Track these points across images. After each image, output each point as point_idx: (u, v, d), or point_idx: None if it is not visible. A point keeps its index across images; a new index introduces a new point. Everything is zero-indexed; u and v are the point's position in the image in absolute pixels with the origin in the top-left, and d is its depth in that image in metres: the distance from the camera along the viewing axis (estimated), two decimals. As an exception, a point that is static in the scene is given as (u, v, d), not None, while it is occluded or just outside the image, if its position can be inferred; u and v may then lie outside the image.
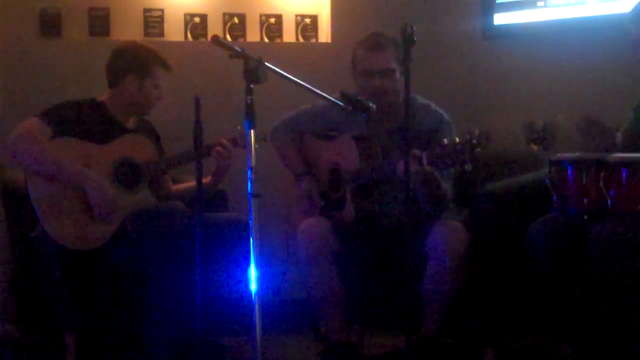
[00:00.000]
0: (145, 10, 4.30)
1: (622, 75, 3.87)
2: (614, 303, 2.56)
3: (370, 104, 2.97)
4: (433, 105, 3.33)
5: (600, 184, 2.50)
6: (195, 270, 2.63)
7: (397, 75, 3.18)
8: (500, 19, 4.28)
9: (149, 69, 3.29)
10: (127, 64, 3.30)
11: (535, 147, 4.10)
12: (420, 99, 3.31)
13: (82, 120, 3.23)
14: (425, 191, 3.06)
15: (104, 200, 3.08)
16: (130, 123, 3.37)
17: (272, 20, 4.40)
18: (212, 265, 2.92)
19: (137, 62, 3.30)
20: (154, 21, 4.31)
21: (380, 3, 4.36)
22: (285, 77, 2.57)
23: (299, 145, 3.46)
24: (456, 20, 4.34)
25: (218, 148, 3.23)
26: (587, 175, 2.58)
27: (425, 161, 2.84)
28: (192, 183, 3.29)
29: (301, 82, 2.63)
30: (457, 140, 2.83)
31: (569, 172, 2.64)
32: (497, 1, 4.27)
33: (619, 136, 2.94)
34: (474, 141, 2.81)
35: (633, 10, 2.91)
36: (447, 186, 3.15)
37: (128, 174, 3.21)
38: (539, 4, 4.20)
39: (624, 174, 2.45)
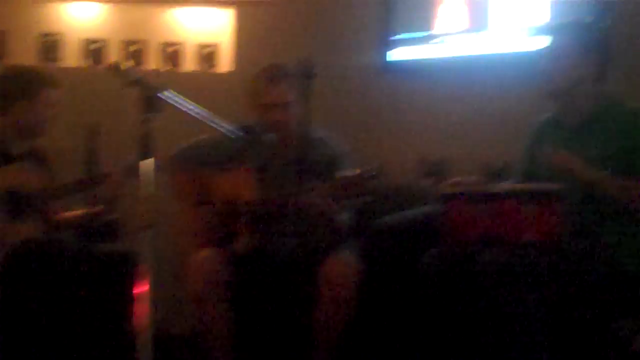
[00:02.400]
0: (43, 35, 4.22)
1: (515, 112, 4.01)
2: (501, 330, 2.62)
3: (269, 136, 2.99)
4: (330, 138, 3.37)
5: (488, 215, 2.58)
6: (83, 303, 2.56)
7: (295, 107, 3.22)
8: (396, 54, 4.38)
9: (38, 90, 3.22)
10: (14, 89, 3.22)
11: (428, 181, 4.20)
12: (318, 131, 3.35)
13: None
14: (323, 223, 3.09)
15: None
16: (21, 149, 3.29)
17: (173, 48, 4.39)
18: (101, 298, 2.86)
19: (24, 85, 3.22)
20: (51, 46, 4.23)
21: (281, 35, 4.40)
22: (185, 106, 2.57)
23: (196, 176, 3.44)
24: (354, 54, 4.42)
25: (110, 177, 3.18)
26: (475, 207, 2.66)
27: (322, 194, 2.87)
28: (83, 211, 3.23)
29: (200, 112, 2.63)
30: (354, 173, 2.88)
31: (458, 203, 2.72)
32: (393, 36, 4.37)
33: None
34: (369, 175, 2.85)
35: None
36: (345, 218, 3.19)
37: (14, 204, 3.12)
38: (434, 40, 4.32)
39: (509, 205, 2.54)
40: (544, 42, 2.92)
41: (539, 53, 2.92)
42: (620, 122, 2.70)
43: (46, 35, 4.22)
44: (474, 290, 2.61)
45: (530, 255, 2.51)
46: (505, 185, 2.66)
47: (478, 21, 4.23)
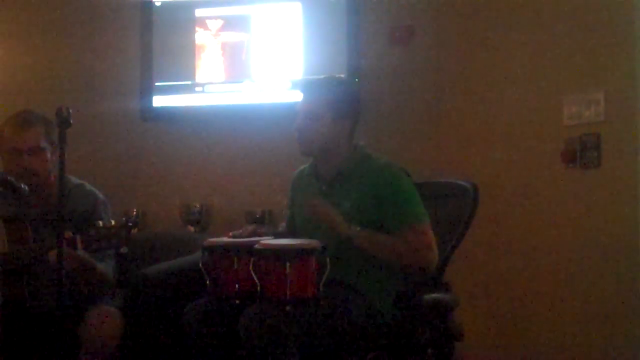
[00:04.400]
0: None
1: (277, 160, 4.11)
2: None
3: (22, 185, 2.84)
4: (88, 186, 3.25)
5: (250, 269, 2.60)
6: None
7: (48, 154, 3.08)
8: (159, 101, 4.34)
9: None
10: None
11: (192, 229, 4.18)
12: (74, 179, 3.22)
13: None
14: (81, 275, 2.96)
15: None
16: None
17: None
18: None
19: None
20: None
21: (37, 83, 4.26)
22: None
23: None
24: (115, 100, 4.34)
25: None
26: (238, 260, 2.67)
27: (79, 245, 2.76)
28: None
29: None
30: (113, 222, 2.79)
31: (221, 257, 2.72)
32: (155, 84, 4.34)
33: (283, 225, 3.09)
34: (129, 223, 2.78)
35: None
36: (105, 268, 3.08)
37: None
38: (197, 89, 4.34)
39: (270, 261, 2.57)
40: (298, 98, 2.97)
41: (294, 109, 2.96)
42: (370, 177, 2.82)
43: None
44: (238, 344, 2.60)
45: (291, 309, 2.54)
46: (267, 241, 2.69)
47: (240, 72, 4.32)
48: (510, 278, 3.82)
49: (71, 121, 2.44)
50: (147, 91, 4.34)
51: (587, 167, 3.46)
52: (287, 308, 2.55)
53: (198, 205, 4.21)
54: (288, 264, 2.54)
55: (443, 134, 4.15)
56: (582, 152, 3.49)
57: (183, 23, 4.39)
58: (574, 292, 3.52)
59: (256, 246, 2.62)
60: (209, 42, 4.36)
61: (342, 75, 4.01)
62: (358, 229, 2.69)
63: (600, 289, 3.40)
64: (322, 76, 3.12)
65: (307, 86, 2.99)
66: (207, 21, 4.37)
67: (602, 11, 3.44)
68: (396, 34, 4.28)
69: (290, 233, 3.01)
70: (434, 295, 2.79)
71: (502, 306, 3.85)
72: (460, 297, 2.87)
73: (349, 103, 2.90)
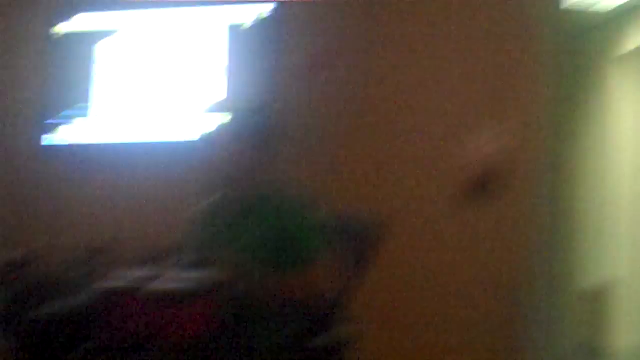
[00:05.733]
0: None
1: (178, 198, 4.00)
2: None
3: None
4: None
5: (143, 311, 2.52)
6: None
7: None
8: (54, 137, 4.21)
9: None
10: None
11: (85, 269, 4.03)
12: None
13: None
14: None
15: None
16: None
17: None
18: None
19: None
20: None
21: None
22: None
23: None
24: (7, 136, 4.19)
25: None
26: (131, 303, 2.59)
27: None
28: None
29: None
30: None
31: (116, 299, 2.64)
32: (51, 120, 4.21)
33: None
34: (16, 263, 2.65)
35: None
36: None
37: None
38: (94, 124, 4.20)
39: (163, 304, 2.51)
40: (210, 129, 2.87)
41: (203, 141, 2.85)
42: (272, 210, 2.72)
43: None
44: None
45: (180, 352, 2.48)
46: (159, 284, 2.59)
47: (139, 108, 4.21)
48: (415, 309, 3.83)
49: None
50: (41, 128, 4.21)
51: (491, 199, 3.47)
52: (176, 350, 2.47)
53: (94, 245, 4.07)
54: (179, 306, 2.48)
55: (349, 166, 4.14)
56: (485, 185, 3.50)
57: (83, 55, 4.26)
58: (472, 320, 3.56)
59: (146, 288, 2.54)
60: (110, 75, 4.23)
61: (258, 104, 3.93)
62: None
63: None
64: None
65: (218, 117, 2.89)
66: (109, 53, 4.25)
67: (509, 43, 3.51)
68: (309, 65, 4.25)
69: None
70: (323, 336, 2.70)
71: (407, 338, 3.84)
72: (360, 329, 2.81)
73: (260, 131, 2.81)
